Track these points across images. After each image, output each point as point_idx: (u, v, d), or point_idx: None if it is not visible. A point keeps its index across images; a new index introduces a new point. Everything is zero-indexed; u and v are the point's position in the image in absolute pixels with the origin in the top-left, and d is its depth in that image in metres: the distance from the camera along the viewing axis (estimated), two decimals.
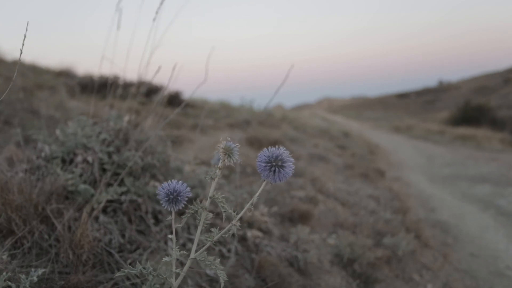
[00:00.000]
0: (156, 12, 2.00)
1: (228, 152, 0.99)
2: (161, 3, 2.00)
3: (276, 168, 0.96)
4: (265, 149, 0.98)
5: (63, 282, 1.41)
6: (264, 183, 1.01)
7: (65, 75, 8.33)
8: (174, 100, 6.95)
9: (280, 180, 0.97)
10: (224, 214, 1.04)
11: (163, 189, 1.04)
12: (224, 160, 1.00)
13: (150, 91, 6.33)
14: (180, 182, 1.06)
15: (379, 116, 24.23)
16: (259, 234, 2.21)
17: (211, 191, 1.04)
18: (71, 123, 2.04)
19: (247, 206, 1.03)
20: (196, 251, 1.09)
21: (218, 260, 1.05)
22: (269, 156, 0.96)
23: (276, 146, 0.98)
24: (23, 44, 1.08)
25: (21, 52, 1.10)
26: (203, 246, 1.09)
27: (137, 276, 1.52)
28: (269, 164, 0.96)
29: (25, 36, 1.08)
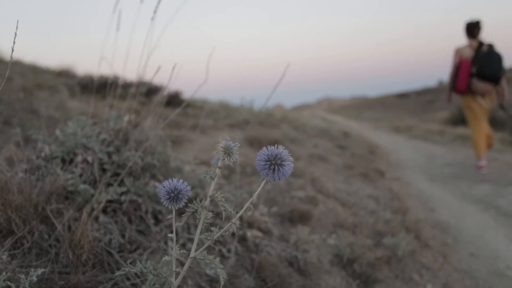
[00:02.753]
0: (154, 12, 2.00)
1: (227, 151, 0.99)
2: (159, 2, 2.00)
3: (275, 167, 0.97)
4: (264, 148, 0.98)
5: (63, 282, 1.41)
6: (263, 182, 1.01)
7: (65, 75, 8.33)
8: (173, 100, 6.95)
9: (279, 179, 0.97)
10: (224, 213, 1.05)
11: (164, 187, 1.04)
12: (223, 159, 1.00)
13: (150, 91, 6.33)
14: (181, 180, 1.06)
15: (379, 116, 24.24)
16: (259, 234, 2.21)
17: (210, 190, 1.04)
18: (71, 123, 2.04)
19: (247, 204, 1.03)
20: (196, 250, 1.09)
21: (218, 259, 1.05)
22: (268, 155, 0.97)
23: (275, 145, 0.99)
24: (14, 42, 1.09)
25: (13, 50, 1.10)
26: (203, 245, 1.08)
27: (137, 276, 1.52)
28: (268, 163, 0.97)
29: (15, 35, 1.08)
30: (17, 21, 1.04)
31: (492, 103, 5.31)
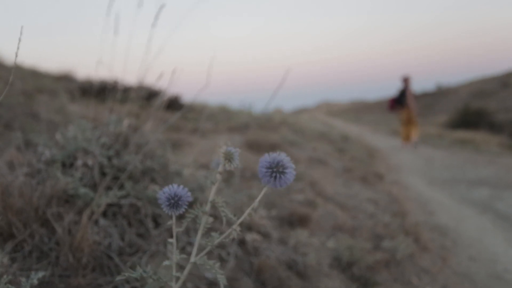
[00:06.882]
0: (155, 18, 2.02)
1: (228, 157, 0.99)
2: (160, 9, 2.02)
3: (277, 174, 0.95)
4: (266, 154, 0.97)
5: (63, 285, 1.41)
6: (264, 189, 1.01)
7: (65, 79, 8.35)
8: (173, 103, 6.97)
9: (280, 186, 0.96)
10: (224, 219, 1.05)
11: (164, 193, 1.03)
12: (224, 165, 1.00)
13: (150, 95, 6.35)
14: (181, 186, 1.05)
15: (378, 120, 24.27)
16: (258, 237, 2.22)
17: (211, 195, 1.04)
18: (71, 127, 2.05)
19: (248, 210, 1.03)
20: (196, 255, 1.09)
21: (218, 264, 1.06)
22: (270, 162, 0.96)
23: (278, 152, 0.98)
24: (18, 48, 1.09)
25: (17, 56, 1.11)
26: (203, 250, 1.09)
27: (137, 280, 1.53)
28: (270, 170, 0.96)
29: (19, 40, 1.09)
30: (21, 27, 1.05)
31: (407, 115, 10.38)
